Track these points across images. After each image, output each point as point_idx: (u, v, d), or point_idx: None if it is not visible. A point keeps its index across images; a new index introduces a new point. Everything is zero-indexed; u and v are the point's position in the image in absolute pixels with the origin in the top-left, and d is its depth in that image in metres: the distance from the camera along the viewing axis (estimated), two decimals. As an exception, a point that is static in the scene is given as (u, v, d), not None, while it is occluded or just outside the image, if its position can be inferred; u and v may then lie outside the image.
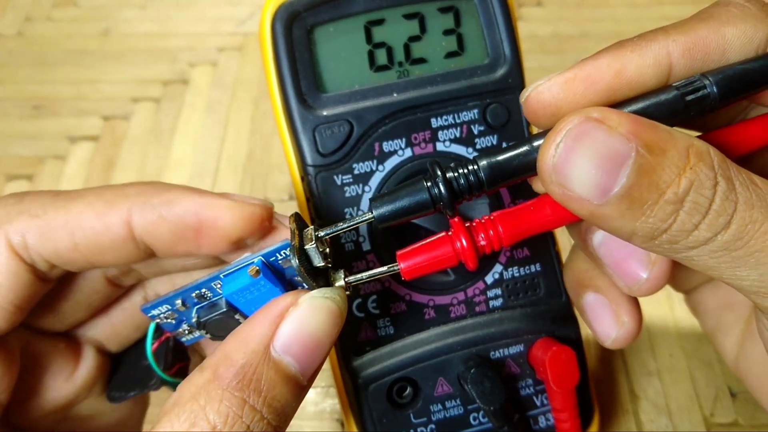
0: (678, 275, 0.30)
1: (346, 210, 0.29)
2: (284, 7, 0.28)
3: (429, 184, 0.23)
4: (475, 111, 0.29)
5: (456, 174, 0.23)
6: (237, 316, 0.25)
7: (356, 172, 0.29)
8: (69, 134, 0.54)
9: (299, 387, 0.21)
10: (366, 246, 0.29)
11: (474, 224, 0.24)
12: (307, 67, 0.28)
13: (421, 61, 0.29)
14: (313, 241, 0.23)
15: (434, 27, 0.29)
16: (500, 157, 0.22)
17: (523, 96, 0.23)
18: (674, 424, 0.38)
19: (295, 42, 0.28)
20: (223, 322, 0.25)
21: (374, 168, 0.29)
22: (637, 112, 0.21)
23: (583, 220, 0.23)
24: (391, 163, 0.29)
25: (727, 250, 0.19)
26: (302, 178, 0.29)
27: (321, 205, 0.29)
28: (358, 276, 0.24)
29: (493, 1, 0.29)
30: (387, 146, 0.29)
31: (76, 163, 0.52)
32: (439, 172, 0.23)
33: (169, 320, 0.26)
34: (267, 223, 0.24)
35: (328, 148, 0.28)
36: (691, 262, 0.20)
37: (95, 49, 0.59)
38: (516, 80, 0.30)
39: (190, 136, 0.53)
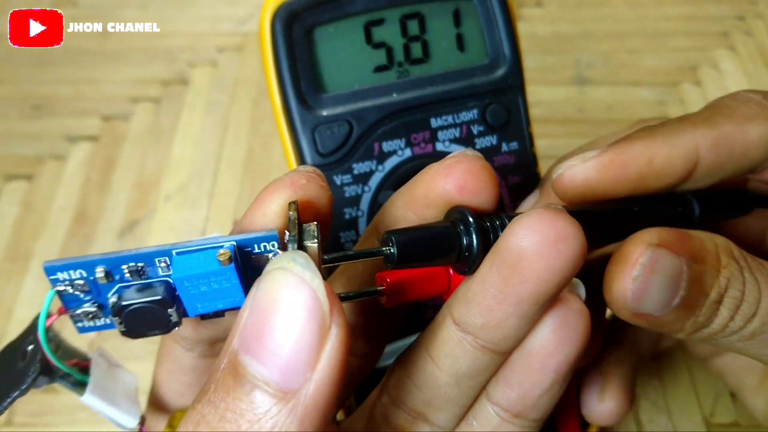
0: (696, 346, 0.32)
1: (345, 210, 0.29)
2: (284, 7, 0.28)
3: (461, 228, 0.19)
4: (475, 111, 0.29)
5: (490, 225, 0.20)
6: (170, 312, 0.19)
7: (356, 172, 0.29)
8: (68, 134, 0.53)
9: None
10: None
11: None
12: (307, 67, 0.28)
13: (421, 61, 0.29)
14: (316, 239, 0.18)
15: (434, 27, 0.29)
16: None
17: (555, 173, 0.23)
18: (674, 424, 0.38)
19: (295, 42, 0.28)
20: (148, 314, 0.19)
21: (374, 168, 0.29)
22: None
23: None
24: (390, 163, 0.29)
25: (754, 334, 0.20)
26: (302, 178, 0.29)
27: (320, 205, 0.28)
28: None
29: (492, 2, 0.29)
30: (387, 146, 0.29)
31: (75, 163, 0.52)
32: (471, 220, 0.19)
33: (76, 292, 0.19)
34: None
35: (328, 148, 0.28)
36: (721, 346, 0.21)
37: (95, 48, 0.59)
38: (516, 80, 0.30)
39: (189, 136, 0.53)
